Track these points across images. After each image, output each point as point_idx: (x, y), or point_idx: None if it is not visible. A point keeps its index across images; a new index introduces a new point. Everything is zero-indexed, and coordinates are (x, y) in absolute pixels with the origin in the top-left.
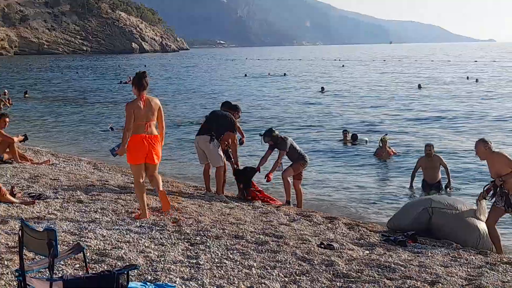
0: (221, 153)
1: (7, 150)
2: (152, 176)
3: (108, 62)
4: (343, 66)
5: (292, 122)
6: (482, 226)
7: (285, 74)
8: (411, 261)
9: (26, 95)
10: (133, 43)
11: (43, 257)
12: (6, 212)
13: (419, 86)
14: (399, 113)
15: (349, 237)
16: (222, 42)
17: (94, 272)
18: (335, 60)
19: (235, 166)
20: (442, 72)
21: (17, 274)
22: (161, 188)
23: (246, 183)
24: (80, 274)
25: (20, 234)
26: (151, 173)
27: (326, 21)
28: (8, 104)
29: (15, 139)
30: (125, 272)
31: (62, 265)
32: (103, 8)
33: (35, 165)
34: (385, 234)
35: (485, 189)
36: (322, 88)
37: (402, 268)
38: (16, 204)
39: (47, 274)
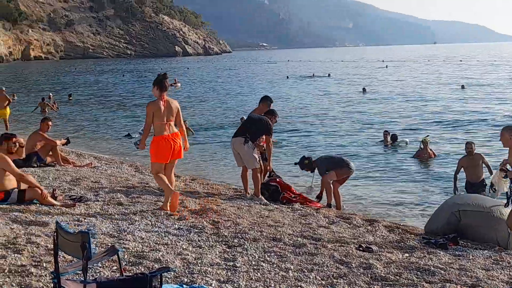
0: (256, 155)
1: (50, 153)
2: (170, 175)
3: (152, 66)
4: (386, 67)
5: (333, 123)
6: None
7: (329, 75)
8: (452, 264)
9: (70, 98)
10: (176, 47)
11: (79, 260)
12: (47, 215)
13: (463, 87)
14: (441, 114)
15: (389, 240)
16: (264, 44)
17: (128, 274)
18: (377, 61)
19: (268, 168)
20: (486, 73)
21: (52, 276)
22: (173, 189)
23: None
24: (114, 276)
25: (55, 236)
26: (170, 169)
27: (369, 22)
28: (54, 109)
29: (58, 142)
30: (159, 274)
31: (100, 267)
32: (146, 12)
33: (77, 168)
34: (425, 237)
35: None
36: (364, 89)
37: (442, 271)
38: (57, 207)
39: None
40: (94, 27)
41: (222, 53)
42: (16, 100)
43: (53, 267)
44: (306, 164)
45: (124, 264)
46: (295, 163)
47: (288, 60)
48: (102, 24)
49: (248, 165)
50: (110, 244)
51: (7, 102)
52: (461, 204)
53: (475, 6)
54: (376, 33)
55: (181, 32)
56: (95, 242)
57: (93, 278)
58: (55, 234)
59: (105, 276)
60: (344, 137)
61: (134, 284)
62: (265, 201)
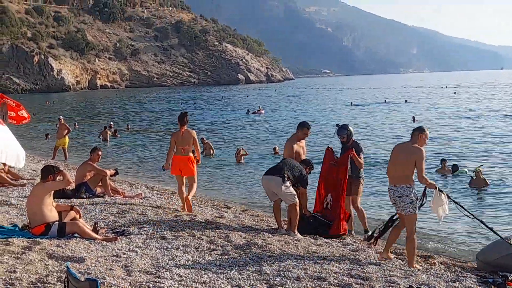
0: (293, 191)
1: (100, 183)
2: (191, 185)
3: (216, 93)
4: (454, 93)
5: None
6: None
7: (406, 101)
8: None
9: (128, 128)
10: (239, 74)
11: None
12: (86, 250)
13: None
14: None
15: (443, 279)
16: (327, 71)
17: None
18: (441, 87)
19: (305, 213)
20: None
21: None
22: (190, 196)
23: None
24: None
25: (65, 283)
26: (190, 182)
27: (434, 47)
28: (116, 136)
29: (108, 172)
30: None
31: None
32: (210, 41)
33: (127, 198)
34: (480, 274)
35: None
36: (413, 117)
37: None
38: (98, 241)
39: None
40: (159, 56)
41: (285, 80)
42: (78, 129)
43: None
44: (349, 130)
45: None
46: (337, 125)
47: (349, 88)
48: (166, 53)
49: (287, 201)
50: (144, 283)
51: (66, 131)
52: None
53: None
54: (442, 59)
55: (244, 60)
56: (129, 281)
57: None
58: (65, 280)
59: None
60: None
61: None
62: (300, 236)
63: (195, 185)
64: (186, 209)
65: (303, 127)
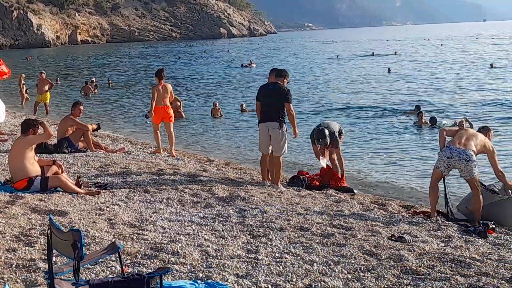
0: (286, 143)
1: (82, 138)
2: (170, 132)
3: (197, 48)
4: (441, 45)
5: (374, 105)
6: None
7: (395, 53)
8: (490, 255)
9: (110, 82)
10: (221, 28)
11: (71, 259)
12: (70, 203)
13: (491, 66)
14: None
15: (425, 228)
16: (310, 24)
17: (128, 274)
18: (424, 39)
19: (294, 136)
20: None
21: (46, 276)
22: (173, 147)
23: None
24: (109, 277)
25: (48, 234)
26: (168, 128)
27: (417, 0)
28: (94, 92)
29: (90, 127)
30: (158, 275)
31: (113, 261)
32: None
33: (109, 153)
34: (461, 223)
35: None
36: (389, 69)
37: (478, 263)
38: (81, 195)
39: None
40: (140, 10)
41: (267, 34)
42: (60, 84)
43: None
44: (327, 135)
45: (139, 257)
46: (317, 139)
47: (333, 41)
48: (147, 7)
49: (278, 150)
50: (128, 235)
51: (49, 86)
52: None
53: None
54: (425, 11)
55: (226, 13)
56: (113, 233)
57: (85, 280)
58: (48, 231)
59: (99, 277)
60: (384, 119)
61: (130, 285)
62: (284, 189)
63: (173, 134)
64: (160, 151)
65: (279, 75)
